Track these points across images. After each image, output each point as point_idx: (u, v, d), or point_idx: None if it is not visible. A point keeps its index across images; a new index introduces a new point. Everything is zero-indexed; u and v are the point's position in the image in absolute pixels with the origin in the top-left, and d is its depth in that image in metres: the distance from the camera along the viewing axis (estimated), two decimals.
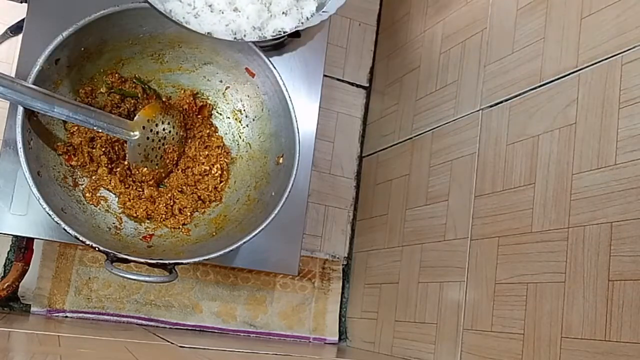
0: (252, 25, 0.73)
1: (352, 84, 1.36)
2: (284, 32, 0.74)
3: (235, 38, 0.74)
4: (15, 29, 1.06)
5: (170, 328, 1.12)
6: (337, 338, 1.25)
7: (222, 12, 0.74)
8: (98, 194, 0.86)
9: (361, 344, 1.21)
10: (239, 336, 1.15)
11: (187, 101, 0.91)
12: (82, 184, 0.85)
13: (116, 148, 0.87)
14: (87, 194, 0.85)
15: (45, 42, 0.77)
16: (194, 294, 1.15)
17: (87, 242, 0.74)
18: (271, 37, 0.74)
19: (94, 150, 0.85)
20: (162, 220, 0.88)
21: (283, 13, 0.75)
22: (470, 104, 1.02)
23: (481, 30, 1.03)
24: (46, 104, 0.75)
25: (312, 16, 0.74)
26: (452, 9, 1.13)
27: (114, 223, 0.85)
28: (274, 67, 0.86)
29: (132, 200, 0.87)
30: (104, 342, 0.77)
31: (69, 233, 0.73)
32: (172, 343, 0.84)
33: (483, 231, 0.93)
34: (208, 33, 0.75)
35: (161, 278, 0.77)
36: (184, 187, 0.91)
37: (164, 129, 0.87)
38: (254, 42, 0.86)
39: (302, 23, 0.75)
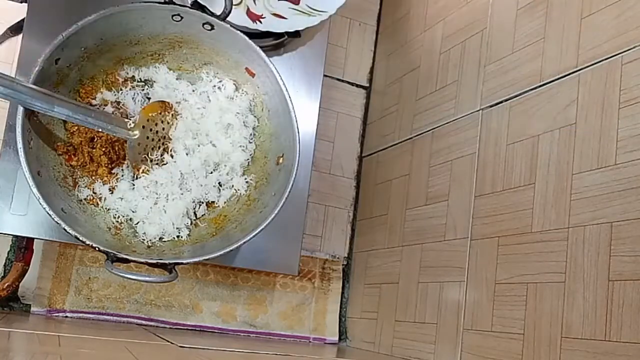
0: None
1: (352, 84, 1.36)
2: None
3: None
4: (15, 29, 1.06)
5: (170, 328, 1.12)
6: (337, 338, 1.25)
7: None
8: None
9: (361, 344, 1.21)
10: (239, 336, 1.15)
11: None
12: (82, 184, 0.85)
13: (116, 148, 0.87)
14: None
15: (45, 42, 0.77)
16: (194, 294, 1.15)
17: (87, 242, 0.74)
18: None
19: (94, 150, 0.85)
20: None
21: None
22: (470, 104, 1.02)
23: (481, 30, 1.03)
24: (46, 103, 0.75)
25: None
26: (452, 9, 1.13)
27: (113, 223, 0.85)
28: (274, 67, 0.86)
29: None
30: (104, 342, 0.77)
31: (69, 233, 0.73)
32: (172, 343, 0.84)
33: (483, 231, 0.93)
34: None
35: (161, 278, 0.77)
36: None
37: (163, 129, 0.87)
38: (254, 42, 0.86)
39: None
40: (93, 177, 0.85)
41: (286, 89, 0.86)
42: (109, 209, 0.85)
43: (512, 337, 0.84)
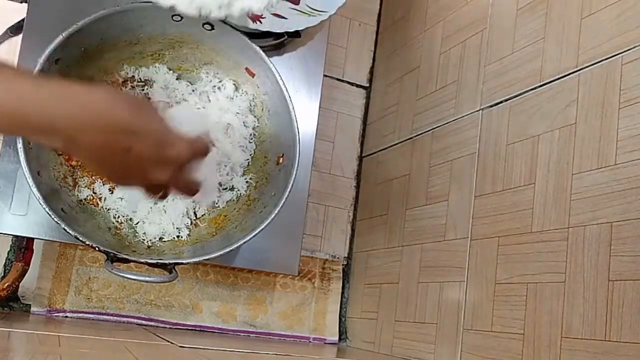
0: (219, 4, 0.72)
1: (352, 84, 1.36)
2: (251, 12, 0.74)
3: (200, 14, 0.74)
4: (15, 29, 1.06)
5: (170, 328, 1.12)
6: (337, 338, 1.25)
7: None
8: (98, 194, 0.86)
9: (361, 344, 1.21)
10: (239, 336, 1.15)
11: None
12: (82, 184, 0.85)
13: None
14: None
15: (45, 42, 0.77)
16: (194, 294, 1.15)
17: (87, 242, 0.74)
18: (238, 15, 0.74)
19: None
20: None
21: None
22: (470, 104, 1.02)
23: (481, 30, 1.03)
24: None
25: None
26: (452, 9, 1.13)
27: (113, 223, 0.85)
28: (274, 67, 0.86)
29: None
30: (104, 342, 0.77)
31: (69, 233, 0.73)
32: (172, 343, 0.84)
33: (483, 231, 0.93)
34: (171, 7, 0.74)
35: (161, 278, 0.77)
36: None
37: None
38: (254, 42, 0.86)
39: (271, 5, 0.74)
40: (93, 177, 0.85)
41: (286, 89, 0.86)
42: (109, 209, 0.85)
43: (512, 337, 0.84)
